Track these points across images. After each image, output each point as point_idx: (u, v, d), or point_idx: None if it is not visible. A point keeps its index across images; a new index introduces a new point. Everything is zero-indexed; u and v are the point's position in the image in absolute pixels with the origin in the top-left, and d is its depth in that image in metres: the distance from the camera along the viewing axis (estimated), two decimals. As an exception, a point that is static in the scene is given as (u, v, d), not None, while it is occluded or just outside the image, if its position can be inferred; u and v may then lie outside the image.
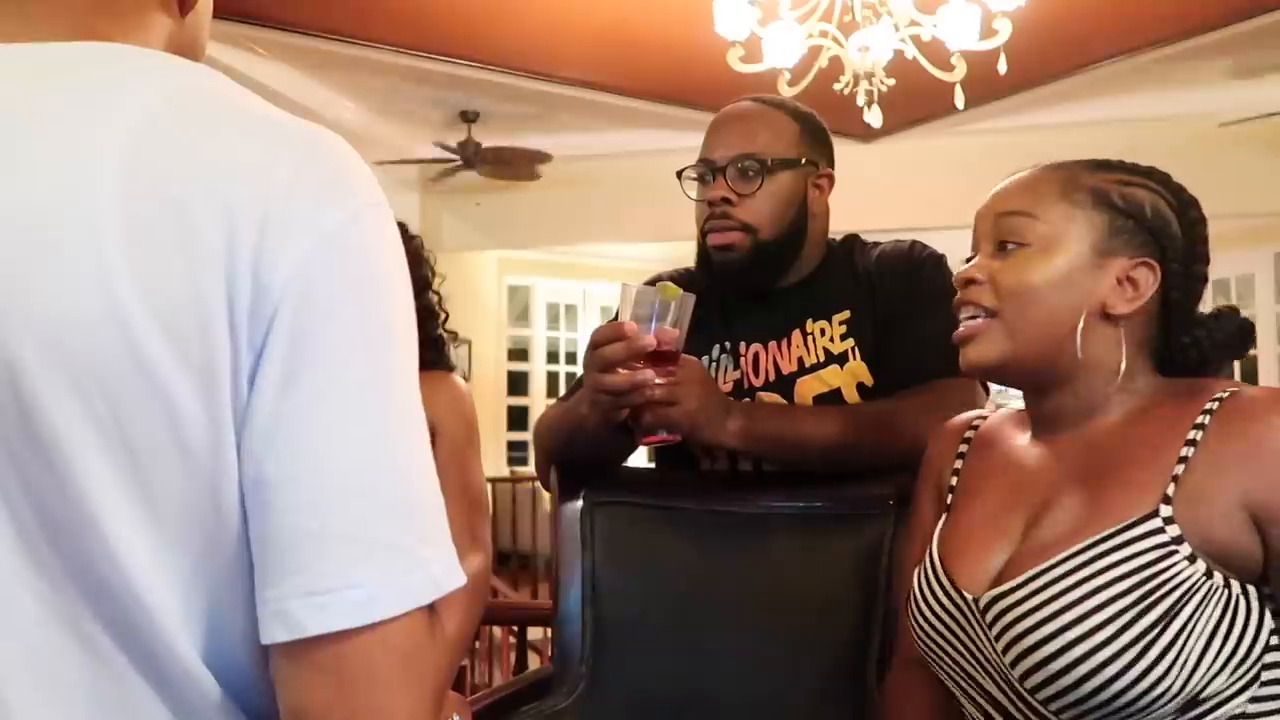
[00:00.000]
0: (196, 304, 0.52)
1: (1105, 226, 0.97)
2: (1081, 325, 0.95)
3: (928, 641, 1.00)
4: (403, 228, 1.63)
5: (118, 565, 0.53)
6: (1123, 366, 0.96)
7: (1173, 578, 0.85)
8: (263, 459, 0.53)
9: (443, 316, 1.65)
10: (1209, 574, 0.85)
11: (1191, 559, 0.85)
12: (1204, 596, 0.84)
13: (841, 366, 1.45)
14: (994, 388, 1.46)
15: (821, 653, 1.34)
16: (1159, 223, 0.97)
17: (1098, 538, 0.88)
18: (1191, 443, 0.89)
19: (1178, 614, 0.83)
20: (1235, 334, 0.99)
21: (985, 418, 1.12)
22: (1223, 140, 5.12)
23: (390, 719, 0.54)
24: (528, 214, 6.81)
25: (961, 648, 0.96)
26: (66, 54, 0.57)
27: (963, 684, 0.98)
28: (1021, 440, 1.04)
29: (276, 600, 0.53)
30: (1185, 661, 0.83)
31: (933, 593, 1.00)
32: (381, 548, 0.54)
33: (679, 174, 1.51)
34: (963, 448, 1.10)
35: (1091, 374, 0.96)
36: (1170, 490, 0.88)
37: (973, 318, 1.00)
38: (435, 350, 1.63)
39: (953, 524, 1.04)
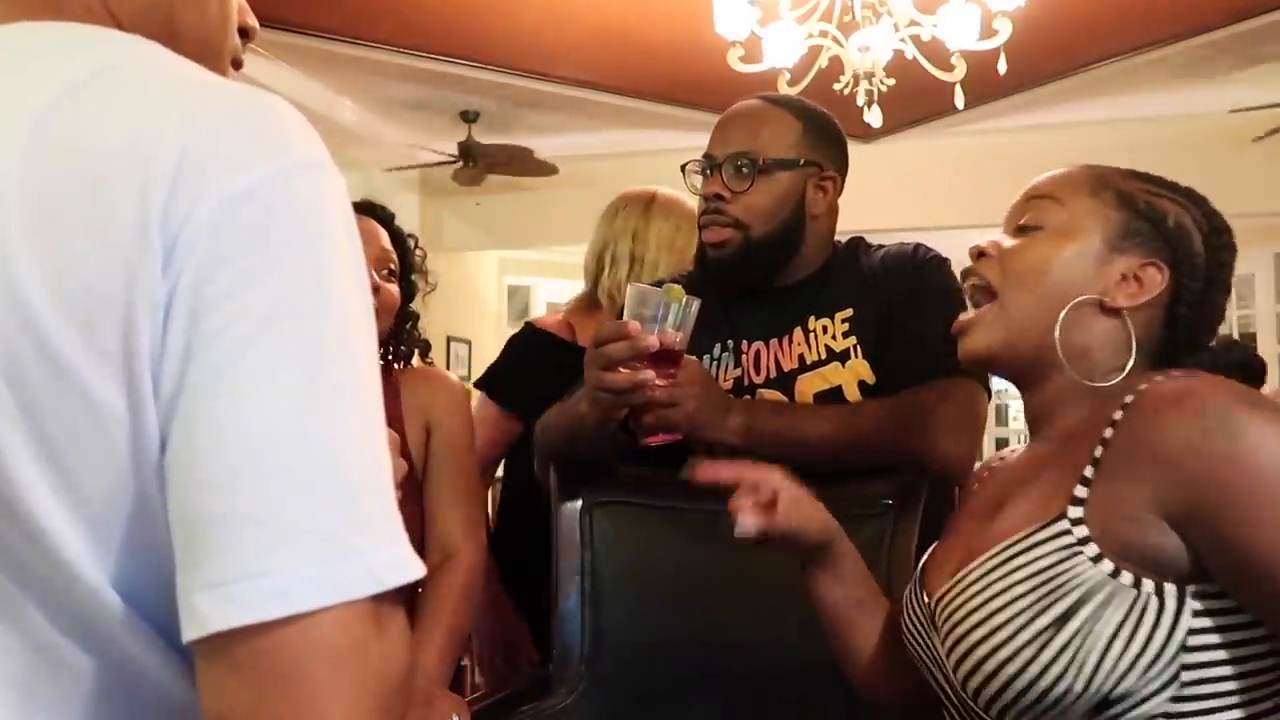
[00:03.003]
0: (110, 287, 0.48)
1: (1122, 225, 0.97)
2: (1066, 311, 0.94)
3: (910, 650, 1.02)
4: (412, 238, 1.65)
5: (56, 561, 0.50)
6: (1123, 365, 0.95)
7: (1073, 579, 0.84)
8: (170, 438, 0.49)
9: (411, 324, 1.65)
10: (1115, 574, 0.84)
11: (1097, 559, 0.84)
12: (1105, 598, 0.83)
13: (843, 364, 1.45)
14: (995, 387, 1.46)
15: (821, 652, 1.33)
16: (1179, 233, 0.97)
17: (1012, 539, 0.89)
18: (1104, 442, 0.88)
19: (1074, 615, 0.83)
20: (1239, 369, 0.97)
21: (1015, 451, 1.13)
22: (1223, 140, 5.12)
23: None
24: (528, 214, 6.81)
25: (925, 649, 0.99)
26: None
27: (934, 687, 0.99)
28: (1021, 455, 1.06)
29: (185, 593, 0.48)
30: (1083, 662, 0.82)
31: (910, 602, 1.03)
32: (299, 532, 0.47)
33: (683, 168, 1.53)
34: (987, 471, 1.12)
35: (1076, 364, 0.95)
36: (1080, 492, 0.87)
37: (975, 288, 1.01)
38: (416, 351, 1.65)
39: (942, 538, 1.07)
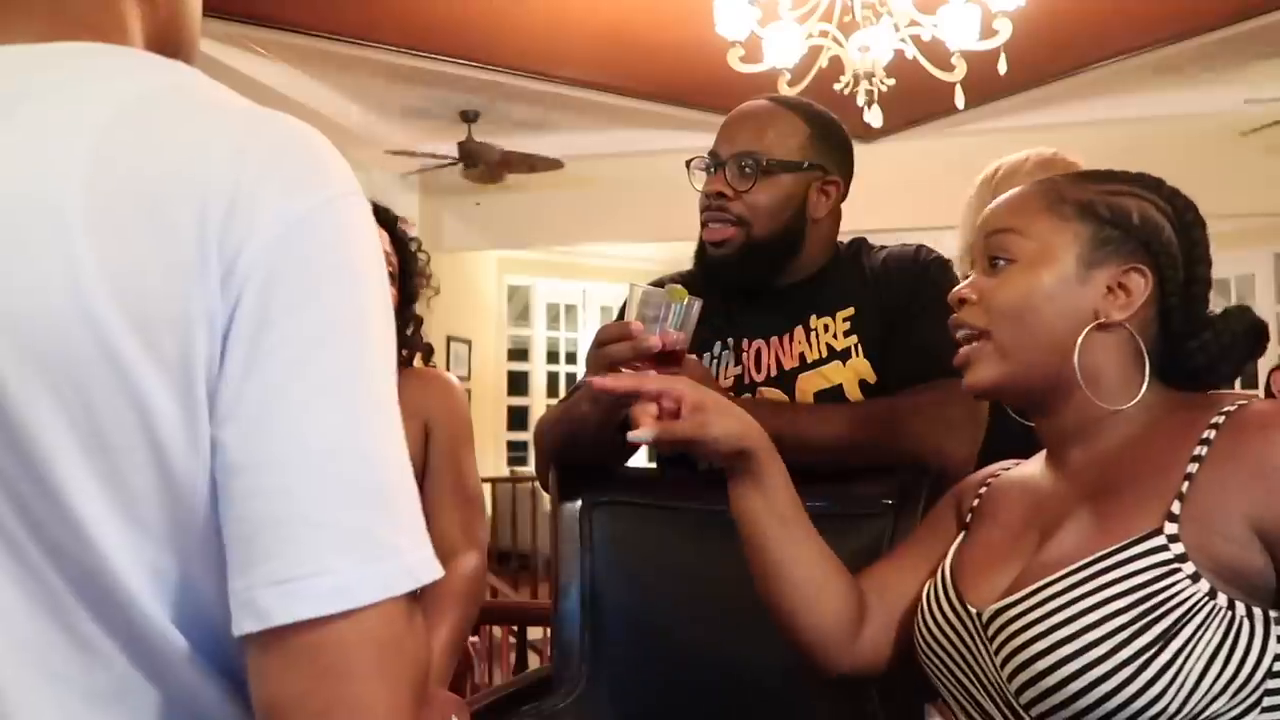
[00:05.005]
0: (170, 297, 0.51)
1: (1091, 237, 0.96)
2: (1081, 339, 0.94)
3: (931, 657, 1.00)
4: (415, 241, 1.65)
5: (101, 562, 0.53)
6: (1135, 375, 0.94)
7: (1173, 597, 0.83)
8: (228, 446, 0.53)
9: (412, 327, 1.65)
10: (1212, 594, 0.83)
11: (1195, 578, 0.83)
12: (1205, 617, 0.82)
13: (844, 363, 1.45)
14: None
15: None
16: (1148, 229, 0.96)
17: (1099, 554, 0.87)
18: (1197, 459, 0.87)
19: (1177, 634, 0.82)
20: (1245, 334, 0.96)
21: (1016, 464, 1.11)
22: (1223, 140, 5.12)
23: (369, 710, 0.52)
24: (528, 214, 6.82)
25: (963, 664, 0.96)
26: (40, 54, 0.57)
27: (962, 701, 0.97)
28: (1039, 468, 1.04)
29: (245, 590, 0.52)
30: (1184, 682, 0.81)
31: (939, 608, 1.00)
32: (352, 534, 0.52)
33: (688, 163, 1.53)
34: (991, 480, 1.10)
35: (1092, 386, 0.94)
36: (1175, 508, 0.86)
37: (966, 338, 1.00)
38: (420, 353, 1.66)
39: (967, 544, 1.05)
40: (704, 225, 1.49)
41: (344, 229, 0.56)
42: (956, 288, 1.02)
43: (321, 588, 0.51)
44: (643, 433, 1.01)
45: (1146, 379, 0.94)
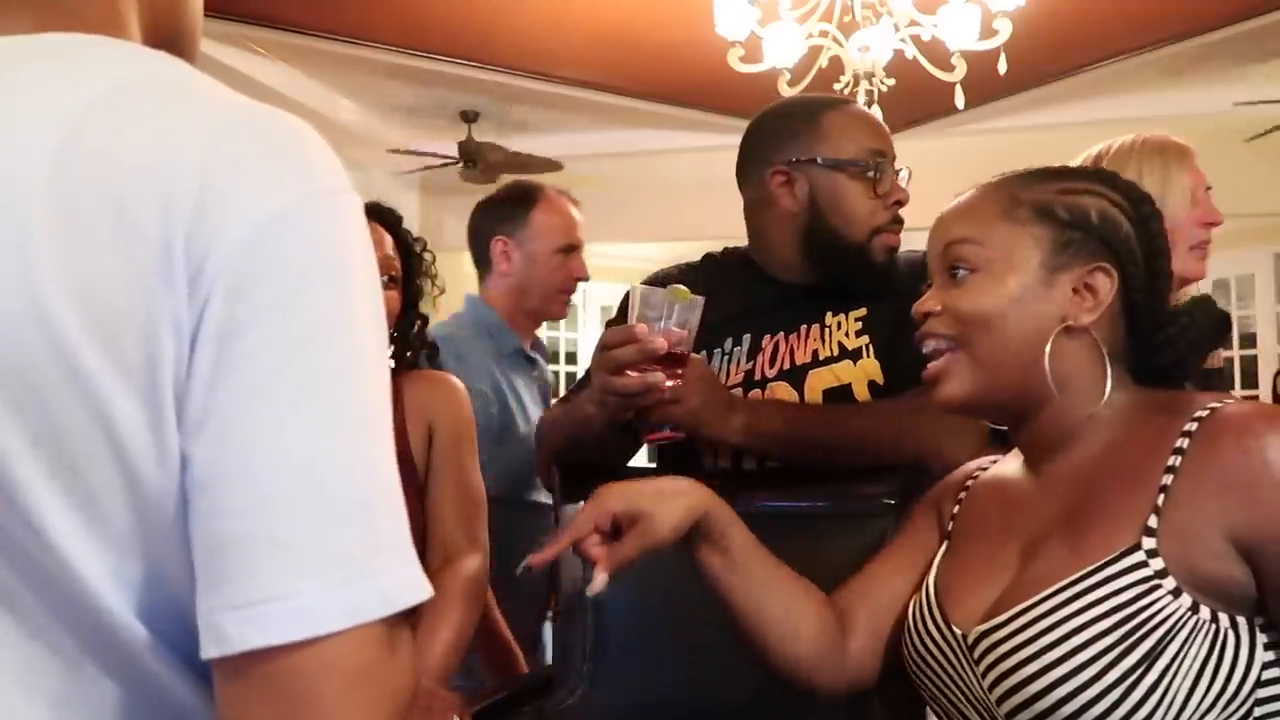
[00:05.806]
0: (132, 300, 0.48)
1: (1051, 241, 0.94)
2: (1050, 346, 0.92)
3: (920, 675, 1.00)
4: (419, 241, 1.64)
5: (67, 570, 0.51)
6: (1102, 378, 0.93)
7: (1156, 614, 0.82)
8: (196, 460, 0.50)
9: (417, 328, 1.64)
10: (1195, 608, 0.82)
11: (1176, 593, 0.82)
12: (1190, 633, 0.81)
13: (854, 362, 1.45)
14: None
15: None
16: (1108, 227, 0.95)
17: (1081, 573, 0.86)
18: (1171, 469, 0.86)
19: (1162, 652, 0.81)
20: (1209, 323, 0.96)
21: (995, 462, 1.10)
22: (1222, 140, 5.11)
23: None
24: (527, 214, 6.79)
25: (951, 683, 0.95)
26: (28, 45, 0.54)
27: (954, 718, 0.97)
28: (1017, 474, 1.03)
29: (209, 612, 0.49)
30: (1172, 700, 0.80)
31: (925, 628, 0.99)
32: (322, 556, 0.49)
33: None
34: (970, 483, 1.09)
35: (1066, 393, 0.93)
36: (1152, 522, 0.85)
37: (936, 349, 0.98)
38: (425, 354, 1.65)
39: (950, 559, 1.04)
40: (880, 231, 1.48)
41: (328, 227, 0.52)
42: (918, 302, 1.00)
43: (285, 613, 0.48)
44: (598, 581, 0.99)
45: (1109, 378, 0.93)
